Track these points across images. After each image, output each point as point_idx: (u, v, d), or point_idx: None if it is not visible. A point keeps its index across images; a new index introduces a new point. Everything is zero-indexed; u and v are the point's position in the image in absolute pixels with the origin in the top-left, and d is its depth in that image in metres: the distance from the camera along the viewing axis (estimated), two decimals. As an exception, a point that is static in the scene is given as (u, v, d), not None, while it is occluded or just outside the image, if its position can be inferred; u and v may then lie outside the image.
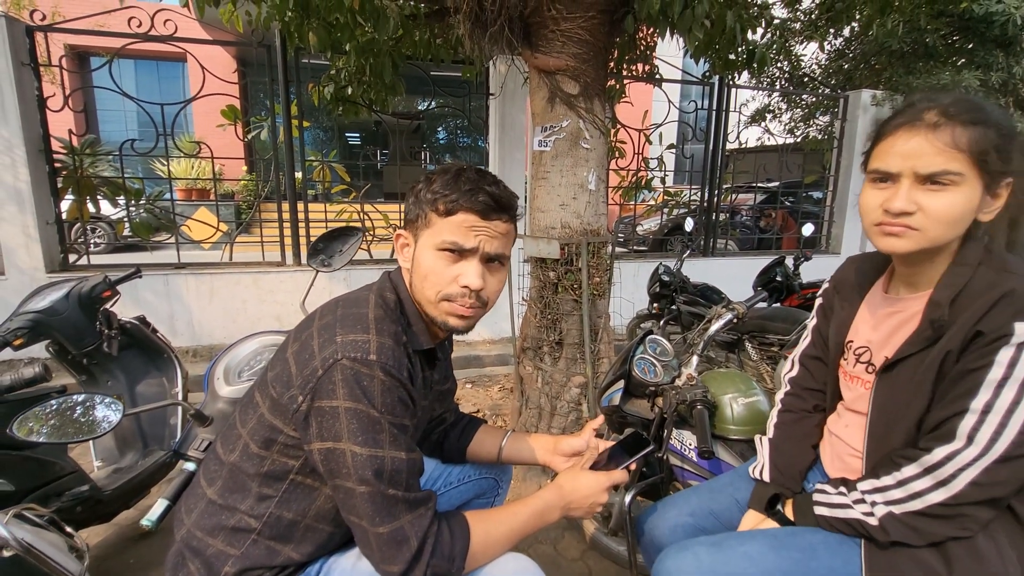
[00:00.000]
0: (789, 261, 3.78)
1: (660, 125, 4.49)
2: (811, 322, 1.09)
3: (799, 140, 7.64)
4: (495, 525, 0.83)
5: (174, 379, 1.95)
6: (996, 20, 5.15)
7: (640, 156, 4.55)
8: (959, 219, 0.77)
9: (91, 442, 1.89)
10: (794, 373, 1.10)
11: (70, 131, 3.28)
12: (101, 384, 1.92)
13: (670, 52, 4.30)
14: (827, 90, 7.04)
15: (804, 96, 7.83)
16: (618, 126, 4.45)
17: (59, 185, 3.34)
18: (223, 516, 0.80)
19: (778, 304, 3.61)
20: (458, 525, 0.80)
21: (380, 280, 0.90)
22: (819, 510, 0.87)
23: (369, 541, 0.75)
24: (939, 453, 0.76)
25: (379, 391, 0.74)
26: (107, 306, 1.94)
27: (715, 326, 1.38)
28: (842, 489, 0.87)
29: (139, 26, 3.26)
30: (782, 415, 1.08)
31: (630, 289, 4.26)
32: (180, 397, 1.89)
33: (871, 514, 0.80)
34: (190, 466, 1.40)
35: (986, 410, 0.73)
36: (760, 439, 1.08)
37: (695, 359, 1.34)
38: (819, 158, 6.69)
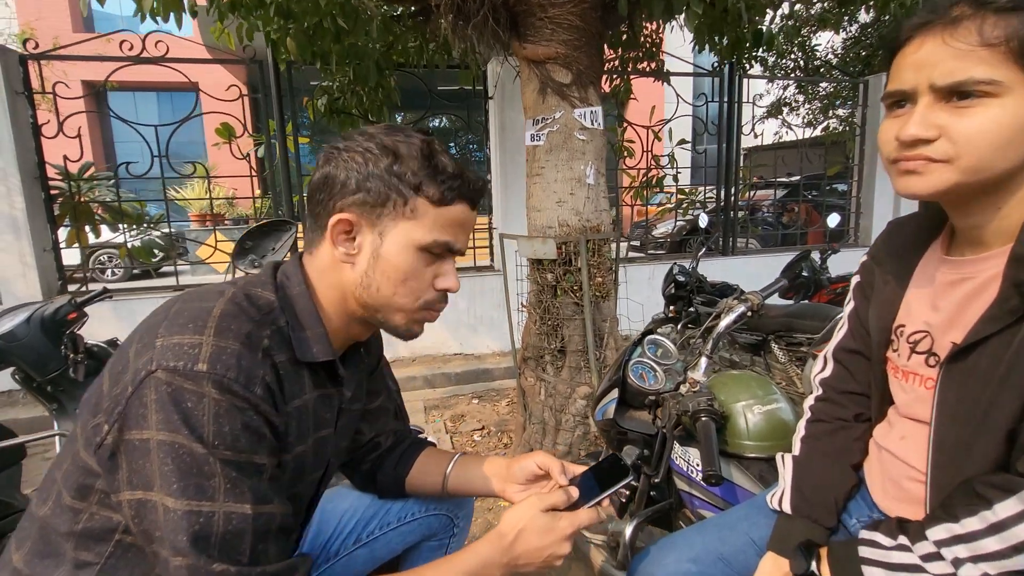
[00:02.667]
0: (815, 255, 3.52)
1: (669, 120, 4.29)
2: (847, 307, 0.85)
3: (819, 133, 7.33)
4: None
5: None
6: (1026, -8, 4.82)
7: (649, 154, 4.36)
8: (1005, 143, 0.56)
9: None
10: (827, 373, 0.86)
11: (65, 157, 3.26)
12: (70, 412, 1.81)
13: (676, 43, 4.14)
14: (845, 77, 6.73)
15: (821, 86, 7.54)
16: (625, 125, 4.28)
17: (56, 212, 3.32)
18: None
19: (806, 300, 3.35)
20: None
21: (258, 273, 0.71)
22: (870, 571, 0.62)
23: None
24: None
25: (209, 416, 0.54)
26: (74, 329, 1.84)
27: (725, 321, 1.17)
28: (903, 539, 0.62)
29: (130, 49, 3.24)
30: (811, 426, 0.84)
31: (645, 293, 4.04)
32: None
33: None
34: None
35: None
36: (782, 458, 0.85)
37: (703, 361, 1.14)
38: (842, 149, 6.38)
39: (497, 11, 2.25)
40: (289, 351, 0.64)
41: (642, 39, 3.65)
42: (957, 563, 0.57)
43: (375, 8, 2.57)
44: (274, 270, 0.70)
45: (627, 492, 1.21)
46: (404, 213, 0.65)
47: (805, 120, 7.76)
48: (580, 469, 0.78)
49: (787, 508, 0.78)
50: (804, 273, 3.46)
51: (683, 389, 1.05)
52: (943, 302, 0.67)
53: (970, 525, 0.57)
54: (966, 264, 0.65)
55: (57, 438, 1.55)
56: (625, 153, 4.28)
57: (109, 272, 6.67)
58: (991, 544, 0.55)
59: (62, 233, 3.39)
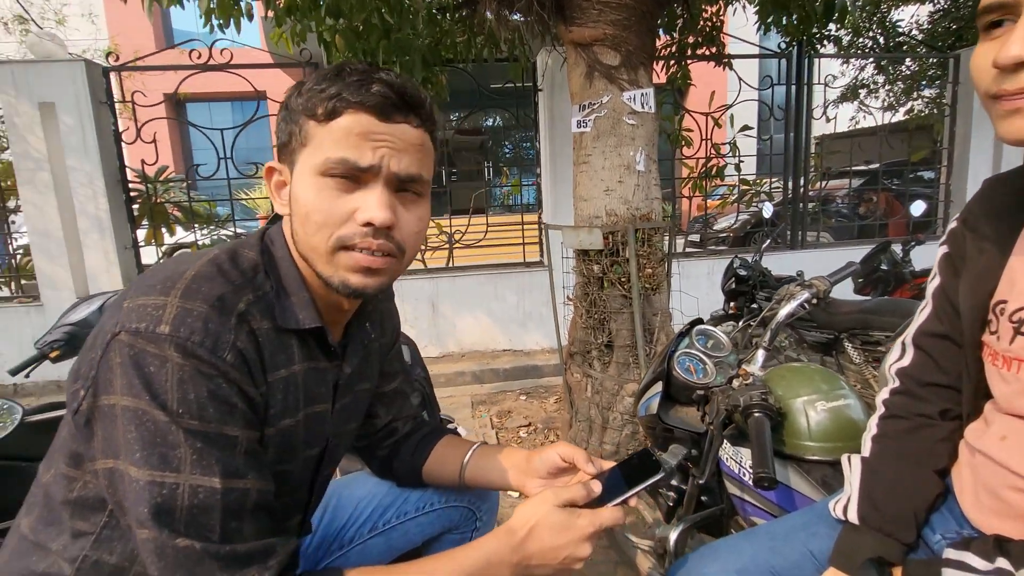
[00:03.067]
0: (897, 247, 3.20)
1: (730, 106, 4.05)
2: (932, 283, 0.72)
3: (902, 117, 6.70)
4: None
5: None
6: None
7: (709, 142, 4.13)
8: None
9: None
10: (906, 362, 0.73)
11: (143, 161, 3.51)
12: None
13: (739, 23, 3.89)
14: (932, 51, 6.11)
15: (905, 64, 6.90)
16: (682, 112, 4.08)
17: (135, 213, 3.58)
18: (34, 557, 0.59)
19: (885, 296, 3.05)
20: None
21: (248, 235, 0.68)
22: None
23: None
24: None
25: (172, 381, 0.50)
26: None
27: (786, 308, 1.05)
28: (1003, 562, 0.51)
29: (199, 58, 3.43)
30: (886, 423, 0.72)
31: (703, 288, 3.84)
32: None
33: None
34: None
35: None
36: (849, 459, 0.73)
37: (760, 353, 1.03)
38: (928, 133, 5.80)
39: (541, -5, 2.18)
40: (272, 318, 0.60)
41: (701, 23, 3.46)
42: None
43: (420, 2, 2.58)
44: (263, 231, 0.66)
45: (674, 495, 1.11)
46: (303, 142, 0.59)
47: (885, 103, 7.13)
48: (608, 464, 0.70)
49: (853, 518, 0.67)
50: (883, 266, 3.16)
51: (735, 383, 0.94)
52: None
53: None
54: None
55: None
56: (683, 142, 4.09)
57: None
58: None
59: (140, 233, 3.65)
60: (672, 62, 3.75)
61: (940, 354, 0.69)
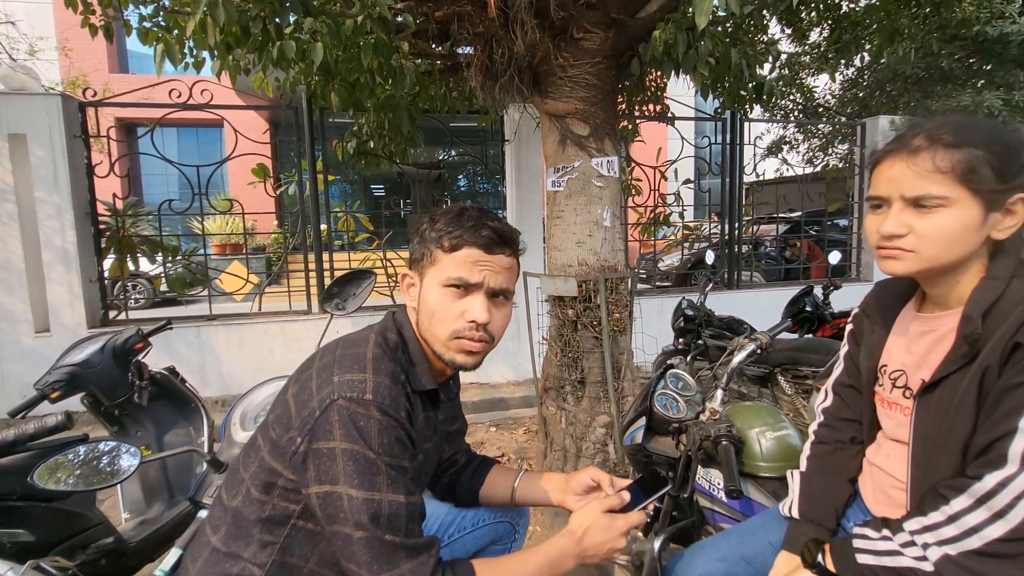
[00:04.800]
0: (818, 291, 3.68)
1: (675, 161, 4.54)
2: (843, 349, 1.05)
3: (818, 169, 7.59)
4: (502, 575, 0.80)
5: (200, 428, 1.98)
6: (1012, 40, 5.12)
7: (656, 192, 4.59)
8: (955, 239, 0.77)
9: (120, 494, 1.92)
10: (828, 403, 1.05)
11: (114, 195, 3.50)
12: (131, 435, 1.95)
13: (680, 91, 4.41)
14: (842, 119, 7.02)
15: (820, 126, 7.85)
16: (633, 165, 4.52)
17: (102, 245, 3.53)
18: (227, 564, 0.79)
19: (810, 335, 3.50)
20: (464, 574, 0.78)
21: (384, 320, 0.91)
22: (862, 558, 0.79)
23: None
24: (990, 480, 0.70)
25: (376, 431, 0.73)
26: (139, 357, 2.00)
27: (738, 358, 1.34)
28: (886, 532, 0.79)
29: (179, 97, 3.51)
30: (815, 447, 1.03)
31: (655, 325, 4.18)
32: (205, 446, 1.90)
33: (924, 559, 0.73)
34: (204, 513, 1.39)
35: None
36: (791, 473, 1.03)
37: (719, 393, 1.30)
38: (843, 185, 6.64)
39: (522, 71, 2.49)
40: (409, 383, 0.83)
41: (646, 83, 3.91)
42: (926, 547, 0.74)
43: (410, 65, 2.83)
44: (392, 317, 0.90)
45: (651, 513, 1.35)
46: (431, 262, 0.86)
47: (805, 158, 8.06)
48: (626, 482, 0.95)
49: (796, 514, 0.96)
50: (807, 308, 3.62)
51: (703, 417, 1.21)
52: (915, 348, 0.86)
53: (934, 518, 0.75)
54: (932, 320, 0.85)
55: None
56: (633, 192, 4.53)
57: (131, 300, 6.87)
58: (949, 530, 0.73)
59: (105, 265, 3.60)
60: (622, 118, 4.18)
61: (849, 399, 1.02)
